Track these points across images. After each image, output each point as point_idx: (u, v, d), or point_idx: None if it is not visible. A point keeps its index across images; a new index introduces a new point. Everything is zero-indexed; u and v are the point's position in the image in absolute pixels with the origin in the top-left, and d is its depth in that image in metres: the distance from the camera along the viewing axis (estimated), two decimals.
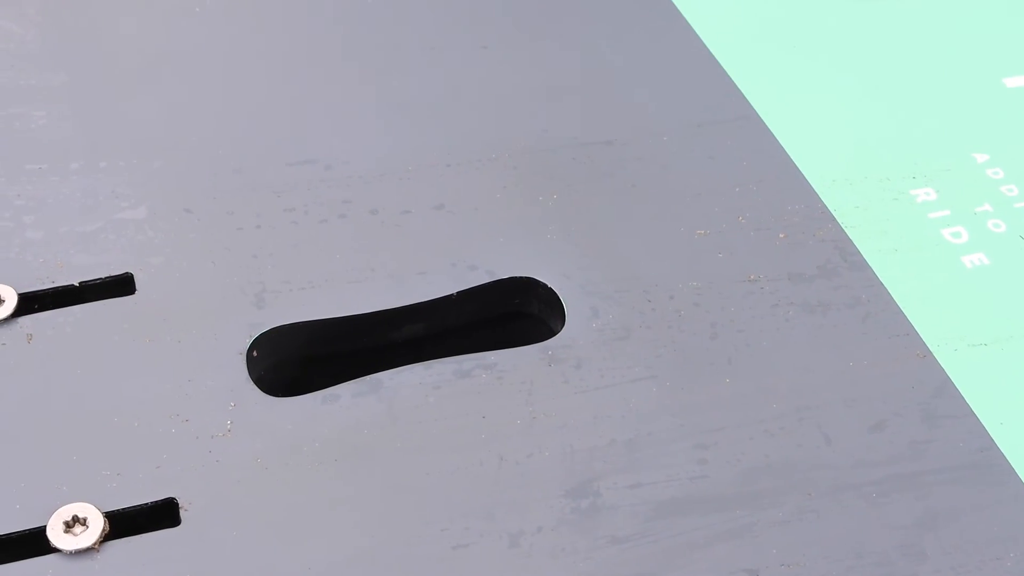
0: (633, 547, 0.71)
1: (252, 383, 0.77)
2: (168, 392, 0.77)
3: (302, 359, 0.83)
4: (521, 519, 0.72)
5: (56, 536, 0.71)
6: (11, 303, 0.82)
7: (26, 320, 0.81)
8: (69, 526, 0.71)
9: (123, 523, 0.72)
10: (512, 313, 0.86)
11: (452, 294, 0.83)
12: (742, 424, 0.76)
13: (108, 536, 0.72)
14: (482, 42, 1.01)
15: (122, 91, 0.97)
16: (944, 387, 0.78)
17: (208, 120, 0.95)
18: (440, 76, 0.98)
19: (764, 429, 0.76)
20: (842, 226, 0.87)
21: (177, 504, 0.72)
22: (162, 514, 0.73)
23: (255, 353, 0.79)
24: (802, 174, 0.90)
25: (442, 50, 1.00)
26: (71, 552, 0.71)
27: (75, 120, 0.95)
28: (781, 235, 0.87)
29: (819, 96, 0.98)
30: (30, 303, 0.83)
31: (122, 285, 0.84)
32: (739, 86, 0.97)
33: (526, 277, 0.84)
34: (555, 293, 0.83)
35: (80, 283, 0.83)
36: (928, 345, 0.81)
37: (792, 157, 0.92)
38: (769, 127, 0.95)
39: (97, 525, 0.71)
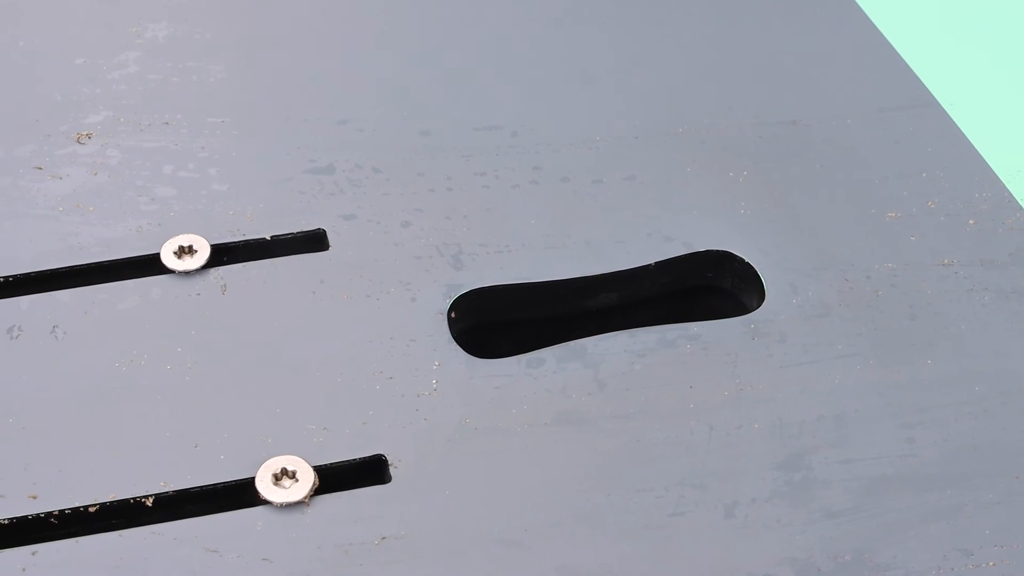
0: (848, 522, 0.70)
1: (455, 343, 0.76)
2: (370, 349, 0.77)
3: (489, 323, 0.82)
4: (735, 489, 0.71)
5: (265, 488, 0.70)
6: (204, 254, 0.81)
7: (219, 271, 0.80)
8: (278, 479, 0.70)
9: (328, 478, 0.71)
10: (700, 287, 0.84)
11: (650, 264, 0.81)
12: (946, 405, 0.75)
13: (317, 490, 0.70)
14: (659, 19, 0.99)
15: (301, 50, 0.98)
16: None
17: (391, 81, 0.94)
18: (620, 50, 0.97)
19: (968, 411, 0.75)
20: None
21: (386, 461, 0.71)
22: (369, 471, 0.71)
23: (453, 314, 0.78)
24: (987, 162, 0.89)
25: (621, 24, 0.99)
26: (280, 505, 0.69)
27: (253, 76, 0.95)
28: (971, 221, 0.86)
29: (997, 84, 0.96)
30: (219, 255, 0.81)
31: (314, 241, 0.83)
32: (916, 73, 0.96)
33: (724, 251, 0.82)
34: (753, 268, 0.81)
35: (272, 237, 0.82)
36: None
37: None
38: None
39: (307, 479, 0.70)
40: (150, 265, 0.82)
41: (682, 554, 0.69)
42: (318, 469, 0.71)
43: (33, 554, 0.68)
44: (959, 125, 0.93)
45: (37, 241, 0.83)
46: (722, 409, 0.74)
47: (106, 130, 0.91)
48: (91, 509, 0.70)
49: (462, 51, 0.97)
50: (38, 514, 0.70)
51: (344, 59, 0.96)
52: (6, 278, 0.81)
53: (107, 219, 0.84)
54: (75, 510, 0.71)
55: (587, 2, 1.02)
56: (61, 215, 0.85)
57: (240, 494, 0.71)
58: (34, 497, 0.70)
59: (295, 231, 0.83)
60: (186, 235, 0.82)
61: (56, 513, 0.70)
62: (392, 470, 0.71)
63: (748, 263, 0.82)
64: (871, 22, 1.01)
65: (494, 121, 0.91)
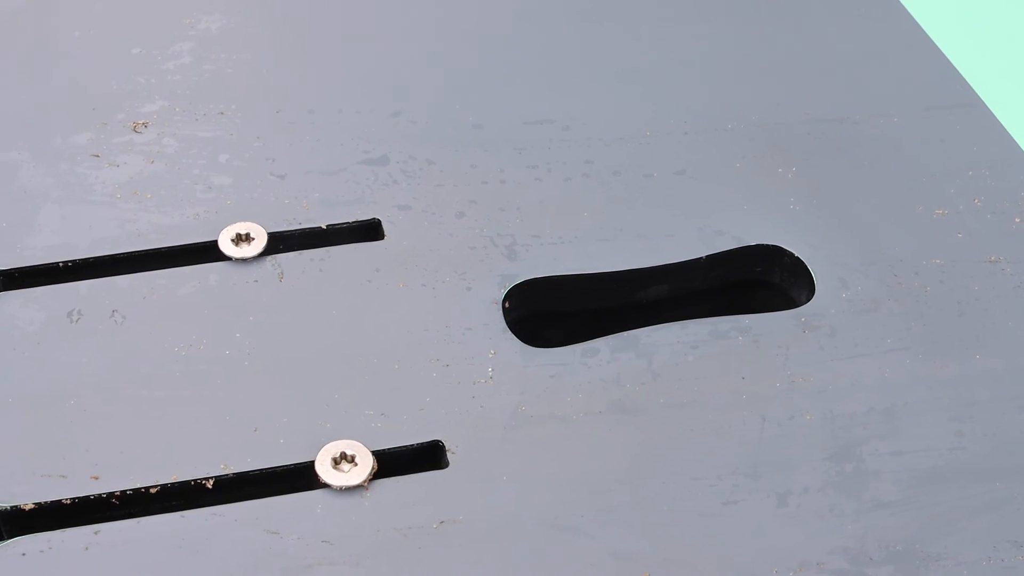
0: (899, 513, 0.71)
1: (510, 332, 0.77)
2: (426, 337, 0.78)
3: (541, 314, 0.83)
4: (787, 479, 0.72)
5: (325, 471, 0.71)
6: (261, 241, 0.82)
7: (276, 259, 0.81)
8: (337, 462, 0.71)
9: (386, 463, 0.72)
10: (748, 281, 0.85)
11: (701, 257, 0.82)
12: (995, 400, 0.76)
13: (376, 475, 0.71)
14: (706, 17, 1.00)
15: (354, 42, 1.00)
16: None
17: (443, 75, 0.95)
18: (668, 48, 0.98)
19: (1017, 405, 0.76)
20: None
21: (443, 447, 0.72)
22: (426, 456, 0.72)
23: (507, 304, 0.79)
24: None
25: (669, 22, 1.00)
26: (340, 488, 0.70)
27: (305, 67, 0.96)
28: (1016, 220, 0.86)
29: None
30: (276, 243, 0.82)
31: (369, 230, 0.84)
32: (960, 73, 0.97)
33: (773, 245, 0.83)
34: (803, 262, 0.82)
35: (327, 226, 0.83)
36: None
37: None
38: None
39: (367, 463, 0.71)
40: (207, 252, 0.83)
41: (736, 542, 0.69)
42: (376, 454, 0.72)
43: (96, 533, 0.69)
44: (1004, 125, 0.94)
45: (95, 227, 0.84)
46: (774, 400, 0.75)
47: (162, 119, 0.92)
48: (152, 491, 0.71)
49: (513, 46, 0.98)
50: (100, 495, 0.71)
51: (396, 52, 0.97)
52: (65, 263, 0.83)
53: (164, 206, 0.85)
54: (136, 491, 0.72)
55: (637, 0, 1.02)
56: (119, 202, 0.86)
57: (299, 477, 0.72)
58: (96, 478, 0.71)
59: (350, 220, 0.84)
60: (243, 223, 0.83)
61: (118, 494, 0.71)
62: (449, 456, 0.72)
63: (798, 257, 0.83)
64: (916, 22, 1.01)
65: (545, 115, 0.92)
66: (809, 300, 0.82)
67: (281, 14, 1.00)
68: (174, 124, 0.91)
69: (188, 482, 0.72)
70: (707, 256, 0.83)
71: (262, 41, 0.98)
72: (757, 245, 0.84)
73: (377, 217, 0.84)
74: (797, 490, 0.72)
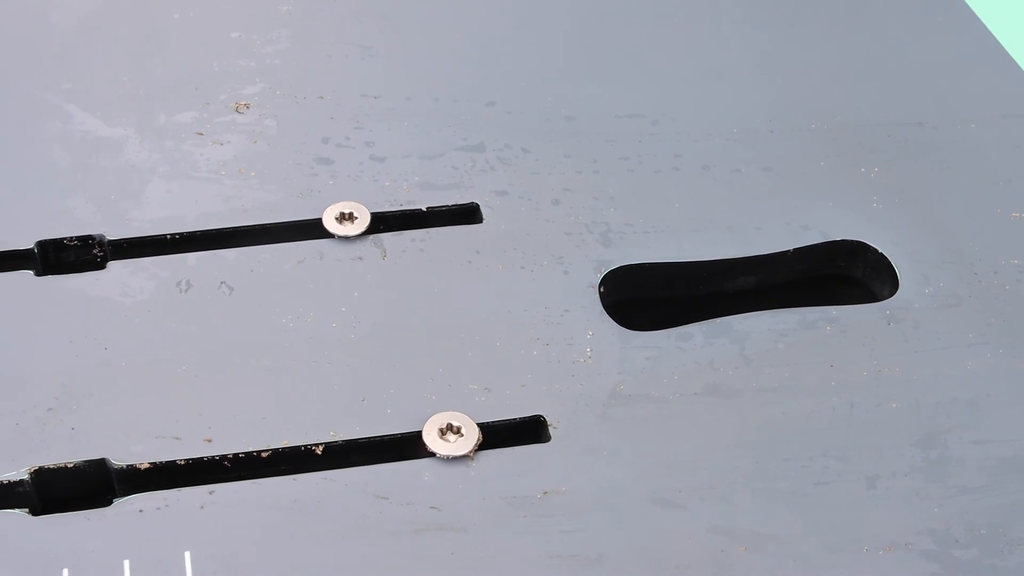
0: (983, 498, 0.74)
1: (607, 315, 0.80)
2: (526, 317, 0.81)
3: (629, 300, 0.86)
4: (875, 463, 0.75)
5: (432, 441, 0.74)
6: (364, 221, 0.85)
7: (378, 238, 0.84)
8: (443, 433, 0.74)
9: (490, 436, 0.75)
10: (830, 276, 0.88)
11: (788, 250, 0.85)
12: None
13: (481, 446, 0.74)
14: (789, 21, 1.03)
15: (448, 32, 1.03)
16: None
17: (536, 68, 0.99)
18: (753, 49, 1.01)
19: None
20: None
21: (545, 422, 0.75)
22: (529, 430, 0.75)
23: (601, 289, 0.82)
24: None
25: (753, 24, 1.03)
26: (447, 458, 0.73)
27: (401, 55, 1.00)
28: None
29: None
30: (377, 223, 0.85)
31: (468, 214, 0.87)
32: None
33: (858, 241, 0.86)
34: (886, 258, 0.85)
35: (428, 208, 0.86)
36: None
37: None
38: None
39: (472, 434, 0.74)
40: (311, 229, 0.86)
41: (828, 520, 0.72)
42: (481, 426, 0.75)
43: (210, 493, 0.72)
44: None
45: (202, 202, 0.87)
46: (861, 388, 0.78)
47: (263, 101, 0.95)
48: (263, 455, 0.74)
49: (603, 43, 1.01)
50: (213, 457, 0.74)
51: (490, 44, 1.01)
52: (173, 235, 0.85)
53: (268, 184, 0.88)
54: (248, 455, 0.74)
55: (722, 2, 1.05)
56: (224, 179, 0.89)
57: (406, 447, 0.75)
58: (209, 441, 0.74)
59: (449, 204, 0.87)
60: (346, 202, 0.86)
61: (230, 457, 0.73)
62: (551, 430, 0.75)
63: (882, 253, 0.86)
64: (991, 33, 1.04)
65: (635, 110, 0.95)
66: (891, 295, 0.84)
67: (375, 3, 1.02)
68: (275, 106, 0.94)
69: (298, 447, 0.75)
70: (794, 249, 0.86)
71: (357, 29, 1.01)
72: (842, 240, 0.87)
73: (475, 201, 0.87)
74: (885, 474, 0.74)
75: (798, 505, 0.73)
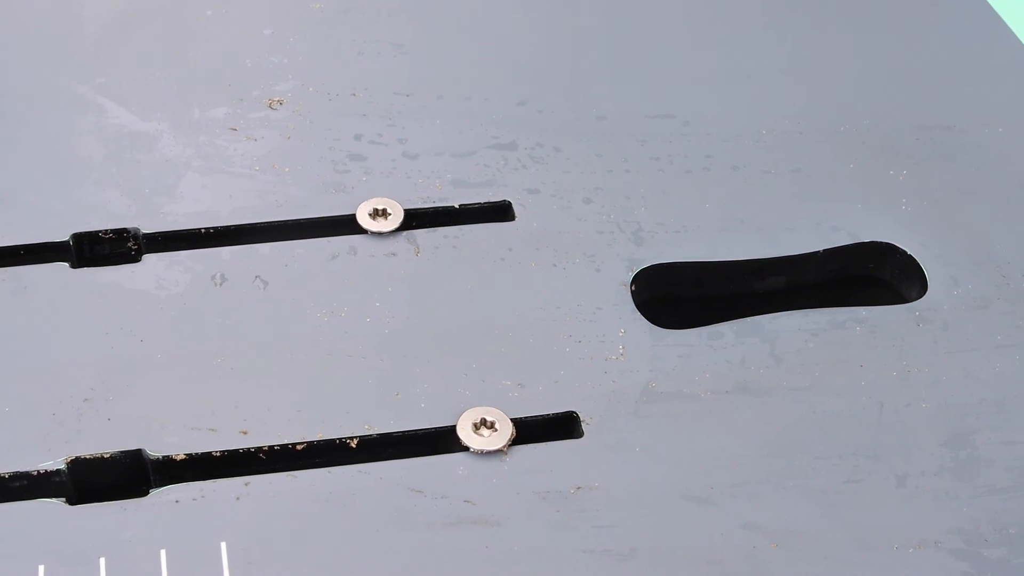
0: (1012, 498, 0.74)
1: (639, 313, 0.81)
2: (558, 314, 0.81)
3: (658, 299, 0.86)
4: (905, 462, 0.75)
5: (467, 435, 0.74)
6: (397, 217, 0.86)
7: (411, 234, 0.85)
8: (477, 427, 0.75)
9: (523, 431, 0.75)
10: (858, 278, 0.89)
11: (818, 251, 0.86)
12: None
13: (515, 441, 0.74)
14: (819, 25, 1.04)
15: (480, 32, 1.04)
16: None
17: (566, 68, 0.99)
18: (782, 52, 1.02)
19: None
20: None
21: (578, 418, 0.76)
22: (561, 426, 0.76)
23: (633, 287, 0.83)
24: None
25: (782, 27, 1.04)
26: (480, 452, 0.74)
27: (433, 54, 1.01)
28: None
29: None
30: (410, 220, 0.86)
31: (500, 212, 0.88)
32: None
33: (887, 242, 0.87)
34: (915, 260, 0.86)
35: (460, 206, 0.87)
36: None
37: None
38: None
39: (506, 429, 0.75)
40: (345, 225, 0.86)
41: (858, 517, 0.73)
42: (514, 421, 0.75)
43: (246, 484, 0.72)
44: None
45: (236, 197, 0.88)
46: (891, 388, 0.79)
47: (296, 97, 0.96)
48: (298, 447, 0.74)
49: (634, 44, 1.02)
50: (248, 449, 0.75)
51: (521, 43, 1.01)
52: (207, 229, 0.86)
53: (301, 180, 0.89)
54: (283, 447, 0.75)
55: (752, 5, 1.06)
56: (257, 174, 0.89)
57: (440, 441, 0.75)
58: (244, 433, 0.75)
59: (482, 201, 0.88)
60: (379, 199, 0.87)
61: (265, 448, 0.74)
62: (584, 426, 0.76)
63: (911, 255, 0.86)
64: (1017, 38, 1.05)
65: (666, 110, 0.96)
66: (919, 297, 0.85)
67: (405, 4, 1.03)
68: (308, 103, 0.95)
69: (333, 440, 0.75)
70: (824, 250, 0.86)
71: (389, 27, 1.02)
72: (872, 242, 0.87)
73: (508, 199, 0.88)
74: (915, 473, 0.75)
75: (829, 503, 0.73)
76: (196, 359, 0.79)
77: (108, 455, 0.73)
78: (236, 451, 0.75)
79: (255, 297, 0.81)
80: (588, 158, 0.91)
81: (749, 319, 0.82)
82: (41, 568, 0.68)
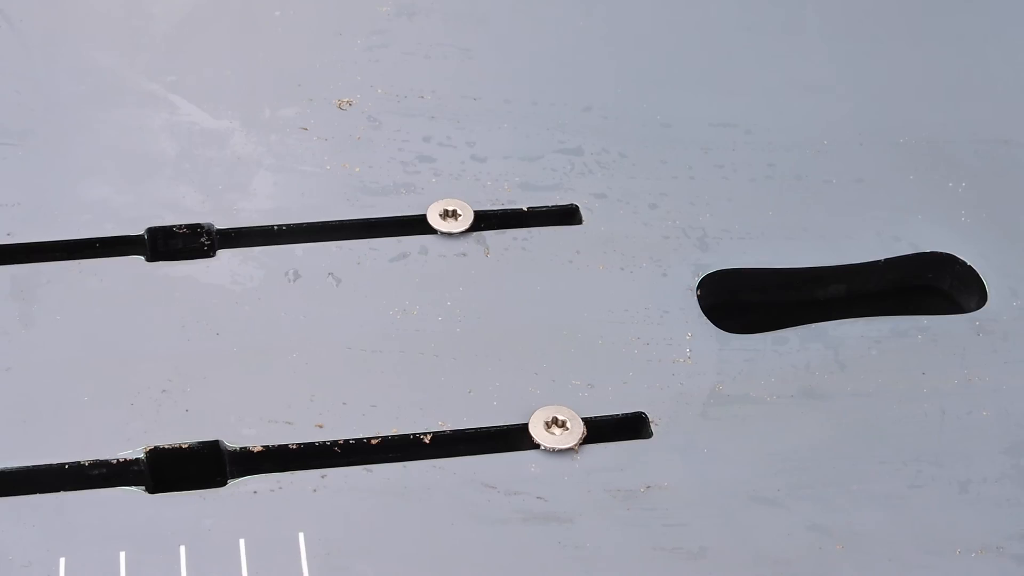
0: None
1: (705, 317, 0.82)
2: (626, 317, 0.83)
3: (721, 304, 0.88)
4: (967, 469, 0.77)
5: (539, 433, 0.76)
6: (467, 218, 0.88)
7: (481, 235, 0.87)
8: (548, 426, 0.76)
9: (593, 430, 0.77)
10: (917, 287, 0.91)
11: (880, 260, 0.87)
12: None
13: (585, 440, 0.76)
14: (878, 37, 1.06)
15: (546, 38, 1.06)
16: None
17: (631, 76, 1.01)
18: (842, 63, 1.04)
19: None
20: None
21: (647, 418, 0.77)
22: (631, 426, 0.78)
23: (698, 292, 0.84)
24: None
25: (842, 39, 1.05)
26: (552, 450, 0.75)
27: (499, 59, 1.03)
28: None
29: None
30: (479, 221, 0.88)
31: (568, 215, 0.89)
32: None
33: (947, 253, 0.88)
34: (975, 271, 0.87)
35: (528, 208, 0.89)
36: None
37: None
38: None
39: (577, 428, 0.77)
40: (415, 225, 0.88)
41: (922, 522, 0.75)
42: (584, 420, 0.77)
43: (323, 477, 0.74)
44: None
45: (307, 195, 0.90)
46: (952, 395, 0.81)
47: (365, 99, 0.97)
48: (373, 441, 0.76)
49: (697, 53, 1.03)
50: (323, 442, 0.76)
51: (587, 50, 1.03)
52: (280, 226, 0.87)
53: (372, 179, 0.91)
54: (358, 441, 0.76)
55: (813, 16, 1.07)
56: (328, 173, 0.91)
57: (512, 438, 0.77)
58: (320, 427, 0.76)
59: (550, 204, 0.89)
60: (449, 200, 0.88)
61: (341, 442, 0.76)
62: (652, 427, 0.77)
63: (970, 266, 0.88)
64: None
65: (729, 119, 0.97)
66: (978, 308, 0.87)
67: (472, 8, 1.05)
68: (377, 104, 0.97)
69: (407, 435, 0.77)
70: (886, 259, 0.88)
71: (456, 31, 1.04)
72: (932, 252, 0.89)
73: (575, 203, 0.89)
74: (977, 479, 0.77)
75: (893, 506, 0.75)
76: (271, 353, 0.80)
77: (186, 445, 0.74)
78: (312, 444, 0.76)
79: (328, 294, 0.83)
80: (653, 164, 0.93)
81: (813, 325, 0.83)
82: (122, 555, 0.69)
